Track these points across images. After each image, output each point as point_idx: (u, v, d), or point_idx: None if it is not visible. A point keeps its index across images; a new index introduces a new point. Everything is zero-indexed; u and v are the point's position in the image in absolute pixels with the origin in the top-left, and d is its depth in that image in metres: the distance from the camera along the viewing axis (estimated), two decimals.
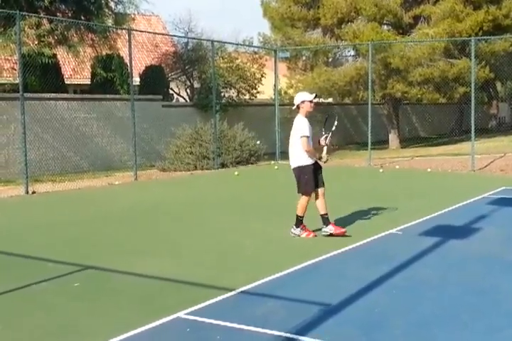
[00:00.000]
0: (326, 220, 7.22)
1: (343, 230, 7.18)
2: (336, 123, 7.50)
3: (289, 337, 4.06)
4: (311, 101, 7.17)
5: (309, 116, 7.25)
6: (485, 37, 18.20)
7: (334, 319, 4.40)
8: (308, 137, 7.08)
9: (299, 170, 7.19)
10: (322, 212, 7.20)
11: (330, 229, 7.17)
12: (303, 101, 7.17)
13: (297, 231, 7.23)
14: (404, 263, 5.94)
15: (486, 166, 14.81)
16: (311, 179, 7.12)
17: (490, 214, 8.56)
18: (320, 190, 7.23)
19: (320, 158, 7.26)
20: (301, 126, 7.10)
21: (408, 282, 5.36)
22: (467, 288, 5.18)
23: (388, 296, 4.96)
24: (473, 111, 14.33)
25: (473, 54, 14.58)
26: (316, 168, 7.25)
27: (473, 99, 14.42)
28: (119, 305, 4.84)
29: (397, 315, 4.52)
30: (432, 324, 4.32)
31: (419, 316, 4.48)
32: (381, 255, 6.38)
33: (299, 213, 7.19)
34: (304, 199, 7.20)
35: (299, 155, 7.17)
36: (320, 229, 7.26)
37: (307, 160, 7.15)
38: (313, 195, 7.23)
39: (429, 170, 14.40)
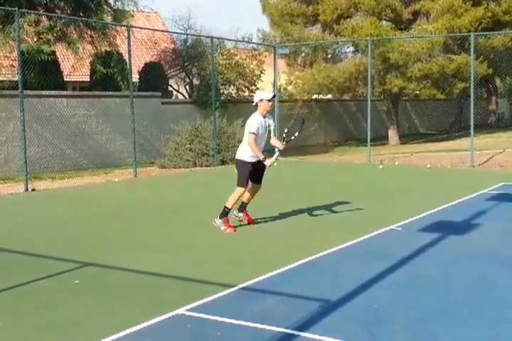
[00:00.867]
0: (224, 213, 7.36)
1: (230, 230, 7.31)
2: (297, 133, 7.59)
3: (289, 332, 4.07)
4: (269, 101, 7.32)
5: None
6: (484, 32, 18.17)
7: (334, 315, 4.41)
8: (255, 134, 7.21)
9: (237, 163, 7.46)
10: (228, 205, 7.34)
11: (220, 223, 7.35)
12: (261, 100, 7.30)
13: (218, 222, 7.36)
14: (403, 259, 5.95)
15: (485, 162, 14.83)
16: (245, 175, 7.31)
17: (489, 209, 8.58)
18: (253, 186, 7.46)
19: (263, 160, 7.26)
20: (251, 123, 7.28)
21: (408, 278, 5.37)
22: (467, 284, 5.19)
23: (387, 292, 4.97)
24: (472, 107, 14.32)
25: (472, 49, 14.57)
26: (258, 168, 7.38)
27: (472, 94, 14.42)
28: (119, 301, 4.85)
29: (396, 311, 4.54)
30: (431, 320, 4.33)
31: (418, 312, 4.49)
32: (381, 251, 6.39)
33: (228, 205, 7.35)
34: (236, 191, 7.34)
35: (242, 149, 7.39)
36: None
37: (247, 157, 7.31)
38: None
39: (428, 166, 14.41)
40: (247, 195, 7.52)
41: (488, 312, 4.48)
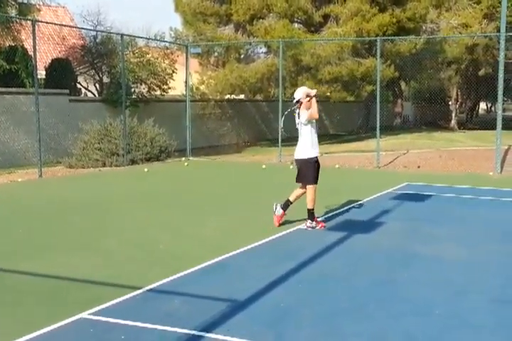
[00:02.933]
0: (311, 215, 7.47)
1: (321, 226, 7.49)
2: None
3: (195, 333, 4.04)
4: (314, 96, 7.41)
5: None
6: (390, 37, 18.82)
7: (241, 315, 4.41)
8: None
9: (300, 163, 7.58)
10: (309, 207, 7.46)
11: (314, 224, 7.47)
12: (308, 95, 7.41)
13: (313, 224, 7.46)
14: (311, 257, 6.05)
15: (390, 162, 15.36)
16: (311, 172, 7.48)
17: (393, 208, 8.88)
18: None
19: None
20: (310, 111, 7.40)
21: (315, 276, 5.46)
22: (371, 280, 5.34)
23: (295, 291, 5.03)
24: (378, 109, 14.79)
25: (378, 53, 15.05)
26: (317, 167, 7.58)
27: (378, 97, 14.89)
28: (19, 305, 4.63)
29: (303, 308, 4.59)
30: (338, 315, 4.42)
31: (325, 308, 4.57)
32: (288, 250, 6.46)
33: (309, 206, 7.43)
34: (308, 190, 7.47)
35: (301, 148, 7.56)
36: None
37: (309, 154, 7.48)
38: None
39: (337, 166, 14.76)
40: (302, 192, 7.58)
41: (391, 306, 4.63)
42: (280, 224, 7.55)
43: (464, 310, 4.59)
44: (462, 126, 31.55)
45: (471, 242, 6.87)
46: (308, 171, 7.44)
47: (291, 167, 14.68)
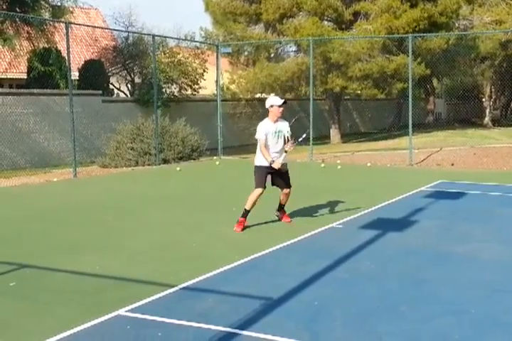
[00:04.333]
0: (243, 213, 7.39)
1: (238, 229, 7.31)
2: (304, 135, 7.67)
3: (230, 331, 4.07)
4: (279, 106, 7.24)
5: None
6: (421, 34, 18.62)
7: (275, 313, 4.44)
8: (263, 139, 7.25)
9: (254, 169, 7.46)
10: (246, 207, 7.39)
11: (238, 221, 7.38)
12: (271, 106, 7.26)
13: (239, 219, 7.38)
14: (344, 256, 6.04)
15: (423, 160, 15.22)
16: (260, 177, 7.35)
17: (427, 207, 8.80)
18: (282, 191, 7.60)
19: (271, 163, 7.29)
20: (258, 129, 7.32)
21: (347, 275, 5.45)
22: (405, 280, 5.31)
23: (328, 289, 5.03)
24: (410, 107, 14.67)
25: (410, 50, 14.91)
26: (280, 173, 7.42)
27: (410, 94, 14.77)
28: (57, 303, 4.73)
29: (336, 307, 4.60)
30: (370, 315, 4.41)
31: (358, 308, 4.57)
32: (322, 249, 6.46)
33: (246, 206, 7.35)
34: (253, 192, 7.32)
35: (256, 156, 7.47)
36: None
37: (260, 162, 7.37)
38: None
39: (369, 164, 14.68)
40: (281, 197, 7.62)
41: (424, 306, 4.60)
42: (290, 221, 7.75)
43: (499, 310, 4.53)
44: (496, 123, 31.06)
45: (506, 241, 6.78)
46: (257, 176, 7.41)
47: (323, 165, 14.66)
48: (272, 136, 7.28)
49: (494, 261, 5.92)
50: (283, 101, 7.28)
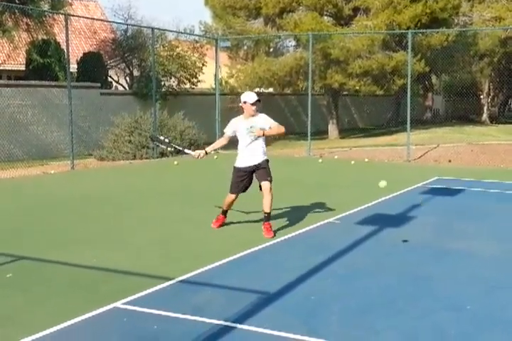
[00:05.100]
0: (221, 211, 7.15)
1: (214, 226, 7.15)
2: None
3: (227, 324, 4.07)
4: (252, 104, 6.90)
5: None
6: (421, 30, 18.59)
7: (272, 307, 4.44)
8: (227, 134, 7.09)
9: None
10: (223, 206, 7.12)
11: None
12: (244, 102, 6.95)
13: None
14: (341, 251, 6.05)
15: (420, 157, 15.23)
16: (235, 181, 6.98)
17: (424, 203, 8.82)
18: (262, 184, 6.88)
19: (199, 155, 7.18)
20: (229, 124, 7.10)
21: (345, 270, 5.45)
22: (402, 275, 5.32)
23: (325, 284, 5.04)
24: (408, 103, 14.66)
25: (410, 46, 14.90)
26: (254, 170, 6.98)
27: (409, 91, 14.76)
28: (53, 295, 4.73)
29: (334, 302, 4.60)
30: (368, 310, 4.41)
31: (356, 302, 4.57)
32: (319, 244, 6.47)
33: (223, 206, 7.14)
34: (228, 196, 7.04)
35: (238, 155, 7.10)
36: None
37: (239, 163, 7.01)
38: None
39: (366, 160, 14.68)
40: (263, 201, 6.84)
41: (422, 302, 4.61)
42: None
43: (497, 306, 4.54)
44: (494, 120, 31.08)
45: (503, 238, 6.79)
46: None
47: (320, 161, 14.66)
48: (244, 133, 6.88)
49: (492, 258, 5.93)
50: (256, 99, 6.89)
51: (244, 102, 6.95)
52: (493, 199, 9.48)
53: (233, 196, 7.00)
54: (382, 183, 6.83)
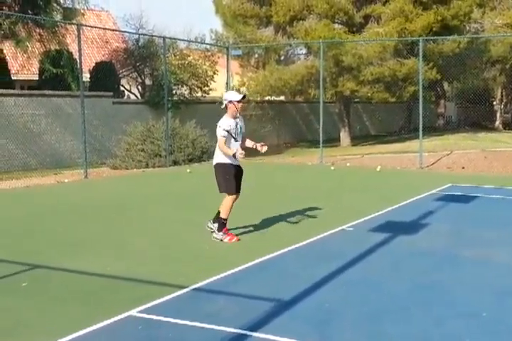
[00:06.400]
0: (221, 225, 6.87)
1: (235, 239, 6.87)
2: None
3: (241, 332, 4.08)
4: (238, 102, 6.79)
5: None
6: (432, 37, 18.57)
7: (285, 315, 4.44)
8: (225, 138, 6.71)
9: (216, 169, 6.91)
10: (222, 216, 6.84)
11: (222, 236, 6.86)
12: (230, 102, 6.80)
13: (219, 235, 6.85)
14: (353, 258, 6.03)
15: (433, 163, 15.17)
16: (230, 179, 6.78)
17: (437, 210, 8.78)
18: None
19: (235, 154, 6.63)
20: (221, 125, 6.77)
21: (357, 277, 5.44)
22: (414, 282, 5.30)
23: (338, 292, 5.03)
24: (421, 110, 14.64)
25: (421, 54, 14.89)
26: (237, 174, 6.90)
27: (421, 98, 14.74)
28: (69, 304, 4.76)
29: (346, 309, 4.59)
30: (381, 317, 4.40)
31: (368, 309, 4.56)
32: (332, 251, 6.46)
33: (223, 215, 6.83)
34: (227, 199, 6.82)
35: (217, 153, 6.90)
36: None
37: (225, 159, 6.80)
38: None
39: (378, 167, 14.64)
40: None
41: (436, 309, 4.58)
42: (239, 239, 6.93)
43: (511, 313, 4.51)
44: (507, 126, 30.90)
45: None
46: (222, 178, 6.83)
47: (333, 168, 14.64)
48: (234, 134, 6.77)
49: (506, 265, 5.89)
50: (242, 96, 6.86)
51: (230, 102, 6.82)
52: (507, 206, 9.41)
53: (234, 196, 6.82)
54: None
